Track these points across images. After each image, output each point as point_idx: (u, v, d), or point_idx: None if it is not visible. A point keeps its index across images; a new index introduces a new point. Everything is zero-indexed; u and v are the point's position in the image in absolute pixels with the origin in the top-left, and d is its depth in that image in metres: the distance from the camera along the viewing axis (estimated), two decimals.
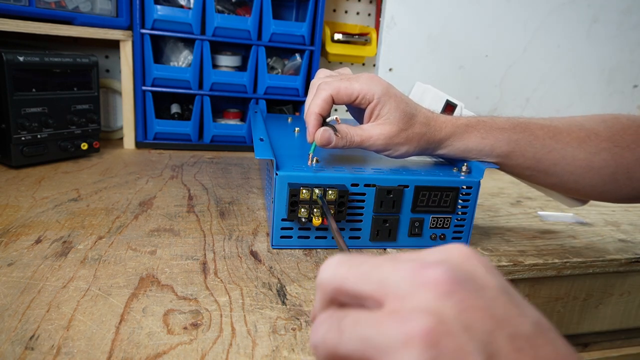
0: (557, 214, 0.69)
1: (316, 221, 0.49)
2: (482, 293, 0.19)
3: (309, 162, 0.52)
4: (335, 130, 0.50)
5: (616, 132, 0.52)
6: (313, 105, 0.49)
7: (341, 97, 0.49)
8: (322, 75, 0.54)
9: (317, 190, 0.49)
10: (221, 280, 0.45)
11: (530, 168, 0.54)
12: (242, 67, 0.97)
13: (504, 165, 0.55)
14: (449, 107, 0.71)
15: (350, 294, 0.21)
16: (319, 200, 0.48)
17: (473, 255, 0.21)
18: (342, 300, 0.22)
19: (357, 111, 0.54)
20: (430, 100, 0.71)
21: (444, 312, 0.18)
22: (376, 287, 0.20)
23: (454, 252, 0.22)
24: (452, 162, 0.60)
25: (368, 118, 0.51)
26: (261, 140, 0.56)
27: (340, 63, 1.15)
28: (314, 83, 0.52)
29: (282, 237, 0.52)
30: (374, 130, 0.50)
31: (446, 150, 0.54)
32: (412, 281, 0.19)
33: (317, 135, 0.49)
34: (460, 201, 0.54)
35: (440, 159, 0.62)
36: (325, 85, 0.49)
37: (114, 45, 0.88)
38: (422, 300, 0.19)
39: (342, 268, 0.22)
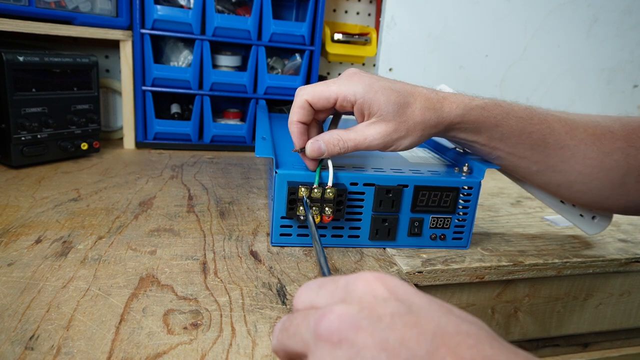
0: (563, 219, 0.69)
1: (315, 219, 0.49)
2: (375, 327, 0.20)
3: (314, 183, 0.49)
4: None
5: (632, 131, 0.50)
6: (291, 114, 0.48)
7: (318, 101, 0.47)
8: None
9: (303, 189, 0.48)
10: (221, 280, 0.45)
11: (538, 162, 0.51)
12: (242, 67, 0.97)
13: (510, 160, 0.52)
14: None
15: (295, 355, 0.24)
16: (304, 202, 0.48)
17: (376, 281, 0.23)
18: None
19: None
20: None
21: None
22: (301, 346, 0.23)
23: (358, 284, 0.23)
24: (452, 162, 0.60)
25: (360, 120, 0.48)
26: (263, 138, 0.56)
27: (340, 63, 1.15)
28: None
29: (281, 234, 0.52)
30: (368, 131, 0.47)
31: (454, 133, 0.50)
32: (314, 336, 0.21)
33: (307, 147, 0.48)
34: (460, 202, 0.54)
35: (442, 159, 0.62)
36: (299, 91, 0.47)
37: (114, 45, 0.88)
38: (321, 356, 0.21)
39: (282, 335, 0.24)
